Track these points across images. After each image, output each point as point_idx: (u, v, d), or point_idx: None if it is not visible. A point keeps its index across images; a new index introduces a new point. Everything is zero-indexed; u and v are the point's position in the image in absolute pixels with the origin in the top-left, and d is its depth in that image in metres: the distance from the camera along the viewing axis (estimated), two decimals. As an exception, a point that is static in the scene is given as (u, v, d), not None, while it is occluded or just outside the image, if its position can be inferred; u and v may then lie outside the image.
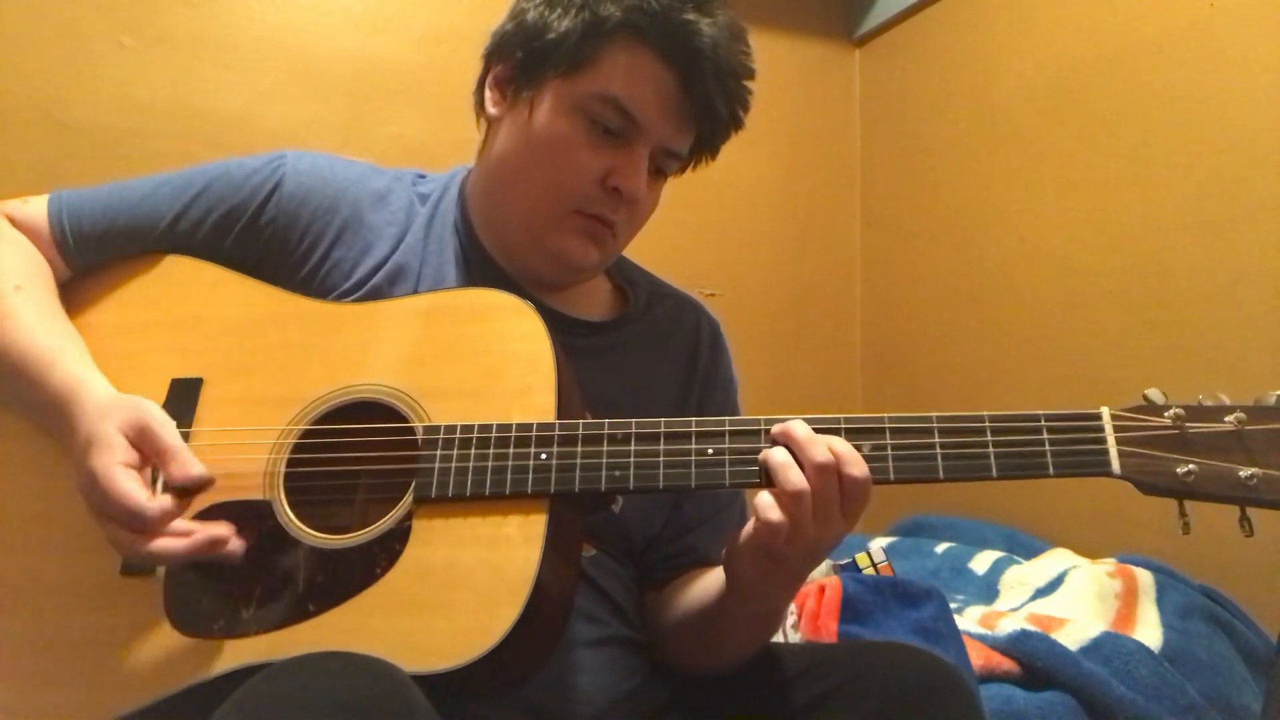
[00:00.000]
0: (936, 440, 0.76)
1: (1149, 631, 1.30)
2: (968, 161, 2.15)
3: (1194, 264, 1.60)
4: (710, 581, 0.90)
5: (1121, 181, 1.76)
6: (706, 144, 0.96)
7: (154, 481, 0.77)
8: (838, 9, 2.56)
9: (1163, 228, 1.66)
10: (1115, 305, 1.75)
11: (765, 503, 0.73)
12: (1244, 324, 1.51)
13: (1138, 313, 1.70)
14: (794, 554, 0.74)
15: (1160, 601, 1.36)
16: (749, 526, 0.75)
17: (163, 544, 0.72)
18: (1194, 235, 1.61)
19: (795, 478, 0.72)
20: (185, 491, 0.75)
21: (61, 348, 0.83)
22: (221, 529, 0.75)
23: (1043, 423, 0.75)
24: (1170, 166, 1.66)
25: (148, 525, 0.72)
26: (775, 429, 0.76)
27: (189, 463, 0.75)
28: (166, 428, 0.76)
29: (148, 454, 0.76)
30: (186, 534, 0.73)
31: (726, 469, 0.77)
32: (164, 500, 0.73)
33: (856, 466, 0.73)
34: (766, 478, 0.75)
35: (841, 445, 0.74)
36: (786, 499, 0.72)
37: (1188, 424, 0.73)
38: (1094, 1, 1.84)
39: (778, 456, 0.74)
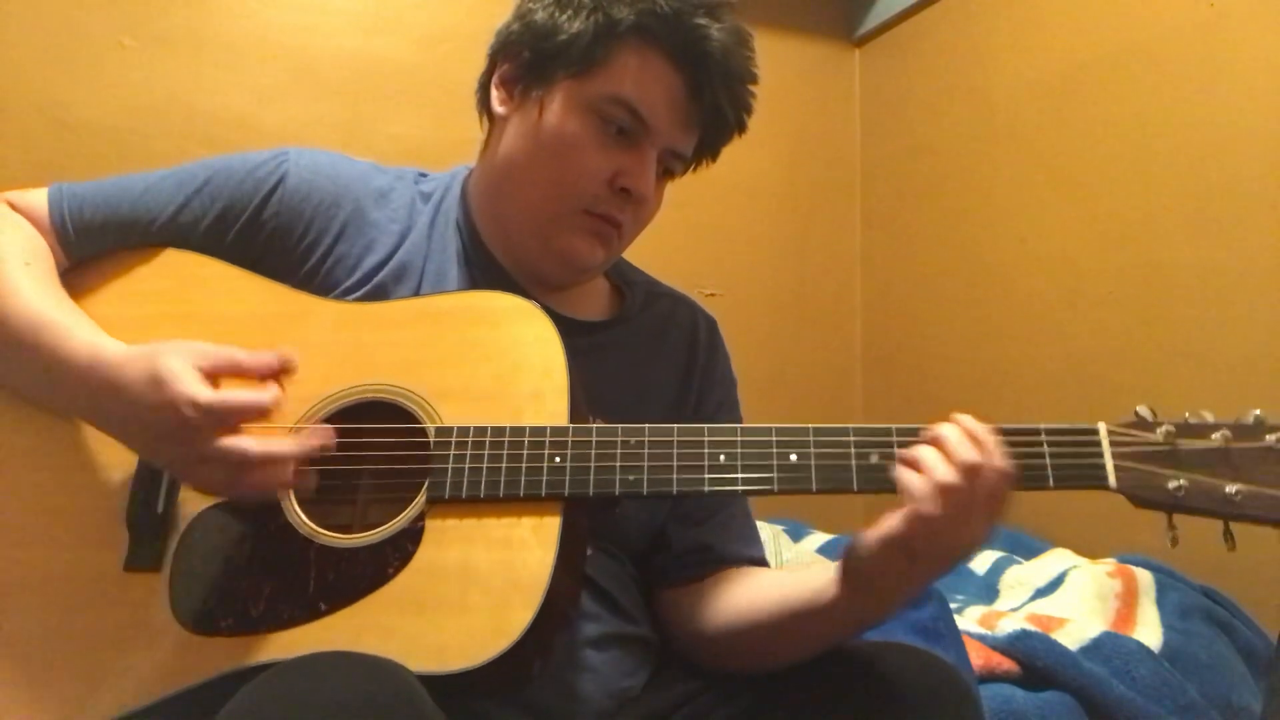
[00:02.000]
0: None
1: (1149, 631, 1.30)
2: (968, 161, 2.15)
3: (1194, 264, 1.61)
4: (800, 584, 0.86)
5: (1121, 181, 1.76)
6: (709, 146, 0.97)
7: None
8: (838, 9, 2.56)
9: (1163, 228, 1.67)
10: (1115, 305, 1.75)
11: (919, 490, 0.71)
12: (1243, 324, 1.52)
13: (1137, 312, 1.70)
14: (931, 553, 0.72)
15: (1160, 601, 1.37)
16: (891, 523, 0.73)
17: (278, 441, 0.72)
18: (1194, 235, 1.61)
19: (945, 469, 0.71)
20: (279, 379, 0.75)
21: (74, 318, 0.83)
22: (324, 432, 0.75)
23: (1043, 436, 0.77)
24: (1170, 166, 1.66)
25: (265, 413, 0.72)
26: (928, 434, 0.75)
27: (266, 353, 0.75)
28: (222, 346, 0.76)
29: (220, 372, 0.75)
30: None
31: (739, 476, 0.77)
32: (270, 390, 0.73)
33: (1000, 461, 0.72)
34: (912, 467, 0.74)
35: (987, 438, 0.73)
36: (939, 490, 0.70)
37: (1179, 440, 0.75)
38: (1094, 1, 1.85)
39: (923, 452, 0.73)
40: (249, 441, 0.71)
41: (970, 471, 0.71)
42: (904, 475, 0.73)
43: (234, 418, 0.71)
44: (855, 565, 0.77)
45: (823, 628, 0.83)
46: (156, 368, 0.73)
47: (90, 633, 0.78)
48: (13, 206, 0.92)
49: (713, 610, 0.93)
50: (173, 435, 0.72)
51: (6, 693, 0.76)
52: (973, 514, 0.72)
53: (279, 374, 0.75)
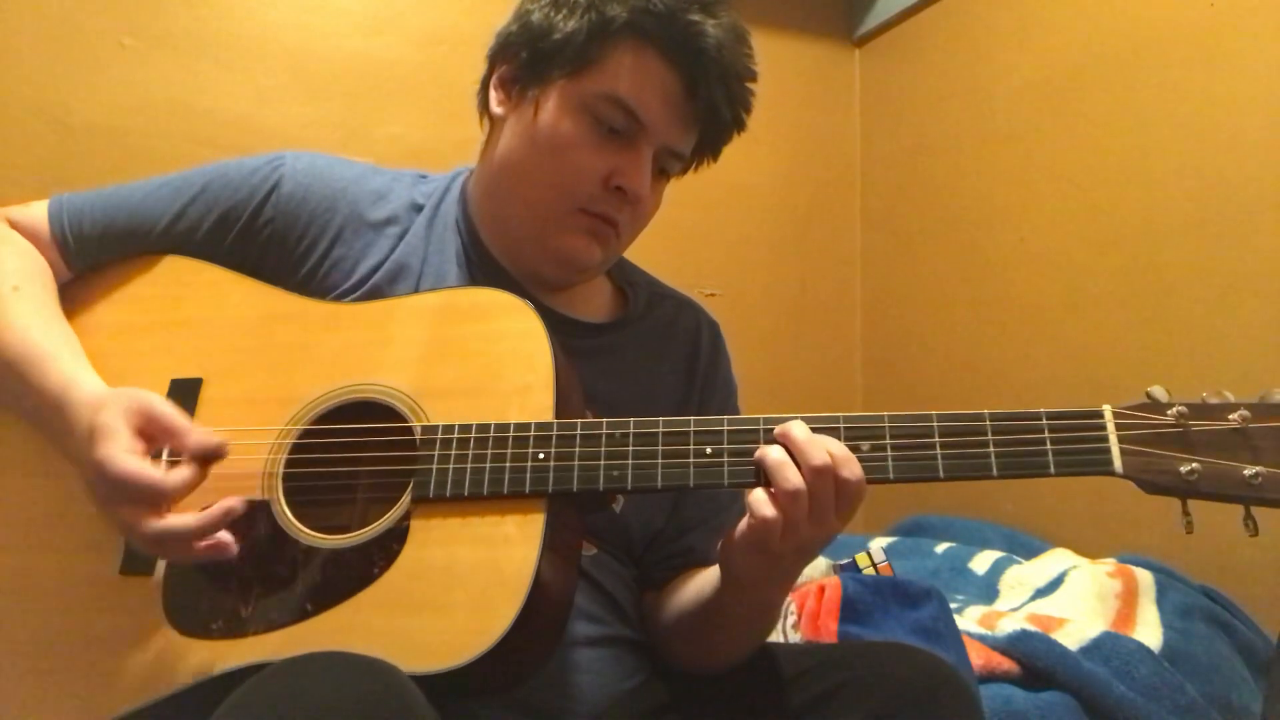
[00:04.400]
0: (937, 440, 0.76)
1: (1149, 631, 1.29)
2: (968, 161, 2.15)
3: (1194, 264, 1.60)
4: (707, 578, 0.90)
5: (1121, 181, 1.75)
6: (709, 145, 0.97)
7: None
8: (838, 9, 2.56)
9: (1163, 228, 1.66)
10: (1115, 305, 1.75)
11: (759, 499, 0.74)
12: (1244, 323, 1.51)
13: (1138, 312, 1.70)
14: (787, 550, 0.75)
15: (1160, 601, 1.36)
16: (744, 522, 0.76)
17: (177, 520, 0.71)
18: (1194, 235, 1.60)
19: (792, 477, 0.73)
20: (200, 463, 0.74)
21: (57, 349, 0.83)
22: (230, 500, 0.74)
23: (1044, 421, 0.75)
24: (1170, 166, 1.66)
25: (166, 497, 0.71)
26: (777, 430, 0.76)
27: (203, 432, 0.75)
28: (169, 407, 0.76)
29: (156, 435, 0.75)
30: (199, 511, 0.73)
31: (725, 469, 0.77)
32: (181, 472, 0.72)
33: (851, 469, 0.73)
34: (762, 476, 0.75)
35: (838, 447, 0.74)
36: (782, 497, 0.73)
37: (1191, 422, 0.71)
38: (1094, 1, 1.84)
39: (774, 455, 0.74)
40: (147, 519, 0.71)
41: (818, 475, 0.72)
42: (754, 496, 0.74)
43: (135, 495, 0.71)
44: (723, 562, 0.82)
45: (725, 615, 0.86)
46: (95, 422, 0.74)
47: (86, 636, 0.78)
48: (12, 223, 0.93)
49: (667, 609, 0.95)
50: (95, 486, 0.74)
51: (4, 695, 0.77)
52: (824, 514, 0.73)
53: (209, 458, 0.74)
